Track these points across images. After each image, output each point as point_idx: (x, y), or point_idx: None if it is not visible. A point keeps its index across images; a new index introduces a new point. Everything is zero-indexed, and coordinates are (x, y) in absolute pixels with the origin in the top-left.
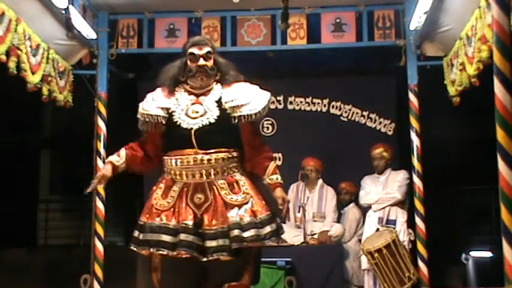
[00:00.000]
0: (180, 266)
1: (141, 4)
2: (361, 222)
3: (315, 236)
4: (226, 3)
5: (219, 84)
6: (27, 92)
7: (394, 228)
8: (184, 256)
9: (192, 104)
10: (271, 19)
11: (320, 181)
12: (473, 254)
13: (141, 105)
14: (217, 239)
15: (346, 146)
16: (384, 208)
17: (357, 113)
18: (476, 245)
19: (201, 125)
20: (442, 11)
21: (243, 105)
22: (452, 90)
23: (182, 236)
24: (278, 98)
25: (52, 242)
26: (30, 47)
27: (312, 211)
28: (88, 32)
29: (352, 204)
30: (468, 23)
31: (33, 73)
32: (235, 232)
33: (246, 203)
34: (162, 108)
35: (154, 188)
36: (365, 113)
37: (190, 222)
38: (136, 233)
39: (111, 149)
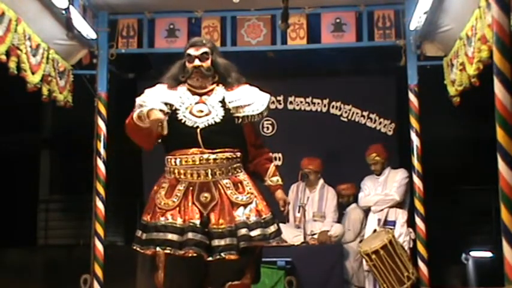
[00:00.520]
0: (185, 265)
1: (141, 4)
2: (364, 222)
3: (315, 236)
4: (226, 3)
5: (221, 86)
6: (27, 92)
7: (392, 229)
8: (190, 255)
9: (196, 103)
10: (271, 19)
11: (321, 181)
12: (473, 254)
13: (139, 99)
14: (225, 238)
15: (346, 146)
16: (382, 210)
17: (357, 113)
18: (476, 245)
19: (206, 124)
20: (442, 11)
21: (246, 105)
22: (452, 90)
23: (190, 235)
24: (278, 98)
25: (52, 242)
26: (30, 47)
27: (312, 211)
28: (88, 32)
29: (354, 205)
30: (468, 23)
31: (33, 73)
32: (243, 231)
33: (251, 202)
34: (166, 104)
35: (156, 187)
36: (365, 113)
37: (197, 221)
38: (139, 233)
39: (111, 149)
